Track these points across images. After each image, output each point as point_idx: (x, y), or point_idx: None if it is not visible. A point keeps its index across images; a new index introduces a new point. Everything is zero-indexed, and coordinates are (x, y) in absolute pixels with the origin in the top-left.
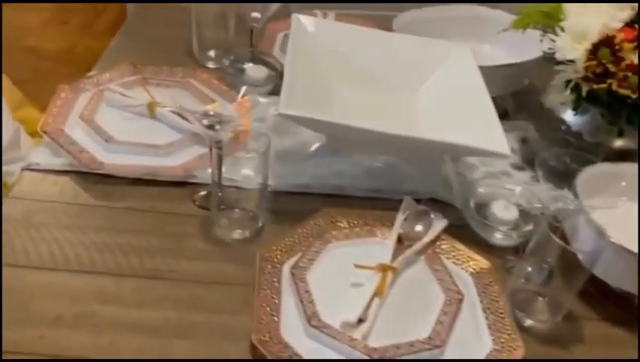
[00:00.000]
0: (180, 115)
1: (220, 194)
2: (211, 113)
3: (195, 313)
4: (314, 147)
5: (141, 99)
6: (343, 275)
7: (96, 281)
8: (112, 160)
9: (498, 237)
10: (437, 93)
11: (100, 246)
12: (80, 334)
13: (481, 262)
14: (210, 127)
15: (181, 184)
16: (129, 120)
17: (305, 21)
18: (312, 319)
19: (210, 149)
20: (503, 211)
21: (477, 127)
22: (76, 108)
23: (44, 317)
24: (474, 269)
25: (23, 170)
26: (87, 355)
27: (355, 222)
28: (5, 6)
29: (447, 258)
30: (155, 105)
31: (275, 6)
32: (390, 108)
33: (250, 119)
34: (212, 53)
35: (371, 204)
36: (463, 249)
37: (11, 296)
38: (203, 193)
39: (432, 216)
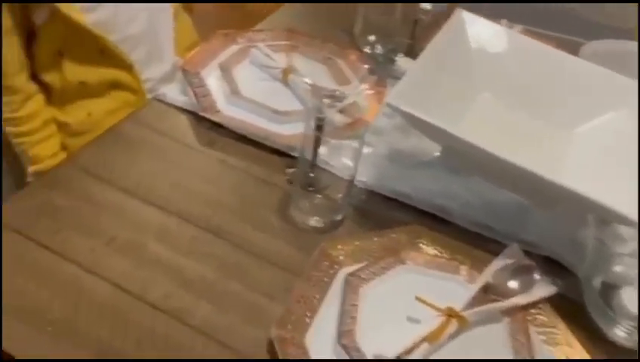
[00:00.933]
0: (309, 86)
1: (310, 175)
2: (337, 93)
3: (233, 282)
4: (430, 156)
5: (280, 64)
6: (403, 304)
7: (162, 218)
8: (230, 112)
9: (618, 334)
10: (603, 136)
11: (182, 188)
12: (122, 260)
13: (579, 352)
14: (332, 105)
15: (283, 154)
16: (263, 80)
17: (467, 17)
18: (344, 336)
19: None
20: (634, 302)
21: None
22: (221, 56)
23: (102, 233)
24: (566, 357)
25: (151, 98)
26: (117, 281)
27: (443, 251)
28: None
29: (538, 332)
30: (289, 71)
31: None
32: (535, 138)
33: (378, 111)
34: (372, 37)
35: (472, 239)
36: (562, 330)
37: (87, 205)
38: (296, 169)
39: (538, 276)
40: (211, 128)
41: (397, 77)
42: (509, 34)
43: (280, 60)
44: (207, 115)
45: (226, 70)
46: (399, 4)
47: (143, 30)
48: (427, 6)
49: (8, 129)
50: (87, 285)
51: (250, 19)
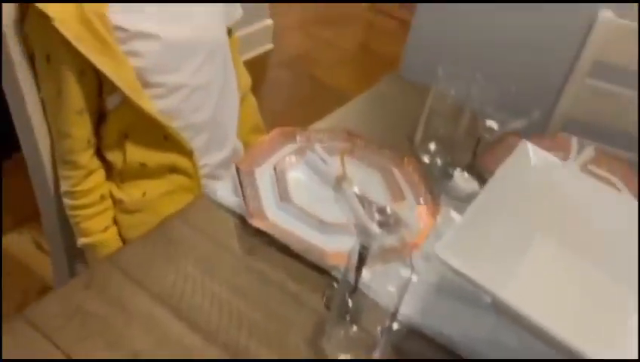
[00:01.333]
0: (360, 198)
1: (349, 300)
2: (388, 212)
3: None
4: (481, 297)
5: (334, 170)
6: None
7: (188, 335)
8: (277, 217)
9: None
10: None
11: (214, 299)
12: None
13: None
14: (383, 224)
15: (324, 271)
16: (316, 185)
17: (532, 152)
18: None
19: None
20: None
21: None
22: (277, 155)
23: (128, 345)
24: None
25: (203, 193)
26: None
27: None
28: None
29: None
30: (342, 180)
31: (518, 123)
32: (599, 295)
33: (429, 233)
34: (433, 146)
35: None
36: None
37: (118, 312)
38: (334, 291)
39: None
40: (255, 233)
41: (454, 195)
42: (576, 173)
43: (334, 165)
44: (253, 223)
45: (279, 172)
46: (465, 117)
47: (207, 119)
48: (493, 124)
49: (65, 201)
50: None
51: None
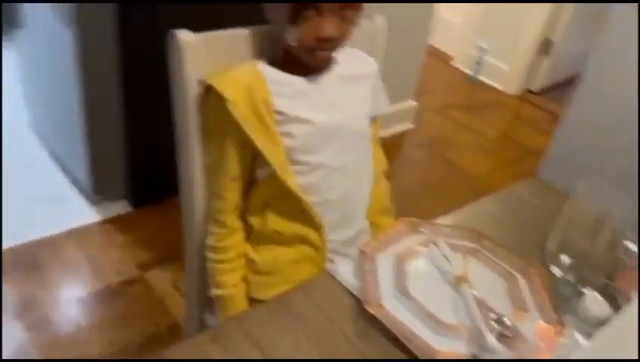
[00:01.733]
0: (478, 303)
1: None
2: (507, 322)
3: None
4: None
5: (455, 269)
6: None
7: None
8: (393, 308)
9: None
10: None
11: None
12: None
13: None
14: (501, 335)
15: None
16: (435, 281)
17: None
18: None
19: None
20: None
21: None
22: (400, 243)
23: None
24: None
25: (327, 271)
26: None
27: None
28: None
29: None
30: (462, 280)
31: None
32: None
33: (554, 353)
34: (564, 258)
35: None
36: None
37: None
38: None
39: None
40: (370, 319)
41: (582, 316)
42: None
43: (457, 263)
44: (369, 309)
45: (400, 261)
46: (605, 235)
47: (340, 198)
48: (633, 247)
49: (207, 253)
50: None
51: (445, 197)
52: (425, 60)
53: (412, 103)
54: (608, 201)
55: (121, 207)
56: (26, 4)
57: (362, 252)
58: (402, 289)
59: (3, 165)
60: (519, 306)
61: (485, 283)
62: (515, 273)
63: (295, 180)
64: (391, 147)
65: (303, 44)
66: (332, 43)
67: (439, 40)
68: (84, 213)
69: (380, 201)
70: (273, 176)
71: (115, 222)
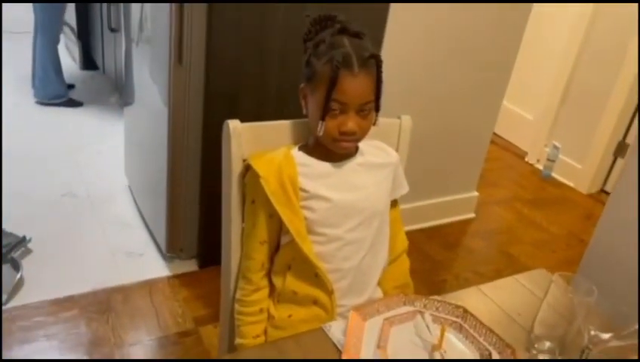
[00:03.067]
0: None
1: None
2: None
3: None
4: None
5: (434, 338)
6: None
7: None
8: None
9: None
10: None
11: None
12: None
13: None
14: None
15: None
16: (415, 345)
17: None
18: None
19: None
20: None
21: None
22: (393, 311)
23: None
24: None
25: (323, 327)
26: None
27: None
28: None
29: None
30: (436, 349)
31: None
32: None
33: None
34: (548, 344)
35: None
36: None
37: None
38: None
39: None
40: None
41: None
42: None
43: (436, 333)
44: (345, 357)
45: (387, 325)
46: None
47: (352, 267)
48: (603, 336)
49: (235, 306)
50: None
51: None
52: (498, 154)
53: (474, 194)
54: (581, 293)
55: (189, 266)
56: (137, 86)
57: (354, 311)
58: (381, 346)
59: (100, 220)
60: None
61: (459, 354)
62: (490, 349)
63: (311, 248)
64: (450, 235)
65: (329, 136)
66: (352, 136)
67: (514, 136)
68: (157, 268)
69: (399, 278)
70: (293, 243)
71: (181, 278)
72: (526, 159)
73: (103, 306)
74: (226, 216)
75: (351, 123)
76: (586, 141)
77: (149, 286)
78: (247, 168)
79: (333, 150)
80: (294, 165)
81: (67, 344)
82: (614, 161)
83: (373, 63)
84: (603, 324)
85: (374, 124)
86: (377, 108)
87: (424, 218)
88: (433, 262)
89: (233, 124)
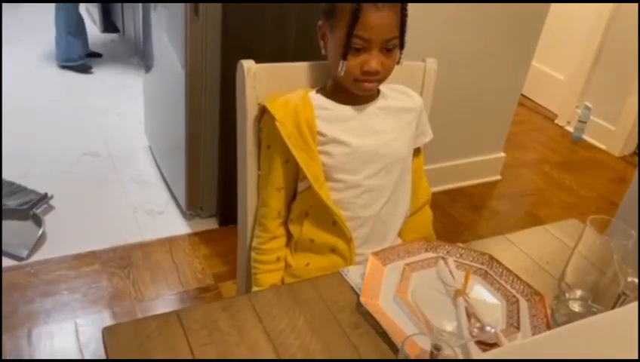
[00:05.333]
0: (468, 314)
1: None
2: (489, 330)
3: None
4: None
5: (457, 284)
6: None
7: None
8: (389, 308)
9: None
10: None
11: (306, 349)
12: None
13: None
14: (481, 342)
15: None
16: (437, 291)
17: None
18: None
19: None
20: None
21: None
22: (414, 257)
23: (230, 357)
24: None
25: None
26: None
27: None
28: None
29: None
30: (460, 294)
31: None
32: None
33: None
34: (578, 291)
35: None
36: None
37: (243, 339)
38: None
39: None
40: (366, 315)
41: None
42: None
43: (460, 279)
44: (363, 301)
45: (408, 270)
46: (614, 266)
47: (372, 216)
48: (635, 282)
49: (252, 254)
50: None
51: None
52: (527, 117)
53: (501, 155)
54: (618, 237)
55: (209, 224)
56: (155, 49)
57: (373, 256)
58: (402, 293)
59: (121, 178)
60: (512, 324)
61: (484, 300)
62: (518, 296)
63: (329, 194)
64: (475, 197)
65: (350, 76)
66: (376, 76)
67: (544, 97)
68: (178, 225)
69: (422, 229)
70: (311, 189)
71: (202, 236)
72: (556, 121)
73: (124, 261)
74: (242, 162)
75: (374, 61)
76: (620, 102)
77: (169, 243)
78: (263, 112)
79: (354, 92)
80: (312, 108)
81: (89, 297)
82: None
83: None
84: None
85: (399, 62)
86: (402, 46)
87: (448, 179)
88: (456, 223)
89: (248, 64)
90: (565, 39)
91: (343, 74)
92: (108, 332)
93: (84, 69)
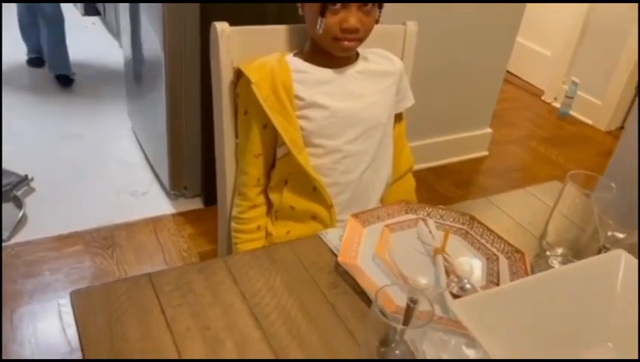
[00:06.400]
0: (447, 271)
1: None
2: (467, 285)
3: None
4: None
5: (436, 243)
6: None
7: (250, 328)
8: (368, 268)
9: None
10: None
11: (282, 309)
12: (201, 346)
13: None
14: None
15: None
16: (416, 251)
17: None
18: None
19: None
20: None
21: None
22: (394, 219)
23: (203, 319)
24: None
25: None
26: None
27: None
28: None
29: None
30: (438, 252)
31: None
32: None
33: None
34: (560, 250)
35: None
36: None
37: (215, 298)
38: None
39: None
40: (344, 275)
41: None
42: None
43: (438, 238)
44: (340, 260)
45: (387, 231)
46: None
47: (352, 182)
48: (619, 235)
49: (232, 223)
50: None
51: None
52: (514, 94)
53: (488, 131)
54: (599, 191)
55: (194, 204)
56: (135, 32)
57: (352, 217)
58: (381, 252)
59: (106, 161)
60: (492, 281)
61: (464, 258)
62: (498, 254)
63: (308, 160)
64: (463, 172)
65: (329, 34)
66: (355, 34)
67: (531, 74)
68: (162, 206)
69: (405, 197)
70: (290, 155)
71: (186, 216)
72: (543, 98)
73: (107, 242)
74: (218, 129)
75: (353, 18)
76: (606, 77)
77: (153, 223)
78: (239, 77)
79: (333, 53)
80: (288, 71)
81: (71, 277)
82: (635, 96)
83: None
84: (620, 222)
85: (377, 21)
86: (380, 5)
87: (435, 156)
88: (444, 199)
89: (221, 26)
90: (551, 15)
91: (321, 32)
92: (76, 296)
93: (35, 65)
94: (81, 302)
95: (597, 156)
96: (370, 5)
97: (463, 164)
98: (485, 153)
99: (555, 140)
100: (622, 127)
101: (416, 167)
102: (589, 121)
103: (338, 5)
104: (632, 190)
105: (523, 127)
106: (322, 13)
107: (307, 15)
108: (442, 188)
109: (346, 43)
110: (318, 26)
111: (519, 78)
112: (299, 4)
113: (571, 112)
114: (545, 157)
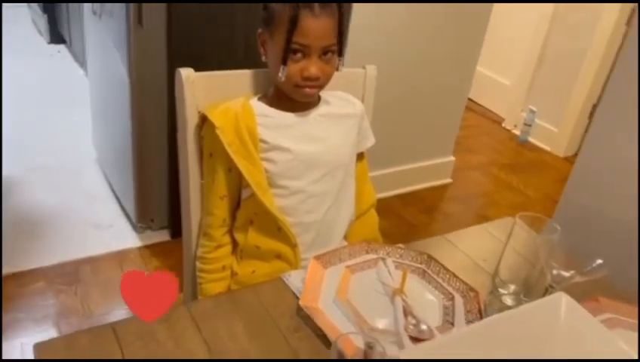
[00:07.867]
0: (405, 312)
1: None
2: (423, 327)
3: None
4: None
5: (395, 283)
6: None
7: None
8: (329, 310)
9: None
10: None
11: (244, 354)
12: None
13: None
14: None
15: None
16: (376, 292)
17: (568, 305)
18: None
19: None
20: None
21: None
22: (355, 259)
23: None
24: None
25: (280, 277)
26: None
27: None
28: None
29: None
30: (397, 293)
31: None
32: None
33: None
34: (513, 287)
35: None
36: None
37: (171, 344)
38: None
39: None
40: (305, 318)
41: None
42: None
43: (397, 279)
44: (302, 304)
45: (349, 271)
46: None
47: (316, 221)
48: (565, 274)
49: (196, 263)
50: None
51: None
52: (475, 122)
53: (451, 159)
54: (545, 232)
55: (160, 236)
56: (100, 58)
57: (314, 259)
58: (337, 294)
59: (70, 193)
60: (447, 320)
61: (421, 298)
62: (454, 293)
63: (272, 201)
64: (427, 200)
65: (291, 81)
66: (316, 81)
67: (491, 102)
68: (128, 239)
69: (367, 233)
70: (254, 196)
71: (153, 249)
72: (503, 125)
73: (71, 278)
74: (184, 171)
75: (314, 67)
76: (562, 104)
77: (119, 257)
78: (204, 120)
79: (295, 98)
80: (253, 115)
81: (34, 315)
82: (589, 124)
83: (335, 5)
84: (566, 262)
85: (337, 69)
86: (340, 53)
87: (401, 184)
88: (409, 226)
89: (186, 72)
90: (509, 44)
91: (284, 79)
92: (40, 349)
93: None
94: (45, 355)
95: (555, 182)
96: (330, 54)
97: (427, 191)
98: (449, 180)
99: (515, 167)
100: (578, 154)
101: (384, 194)
102: (547, 148)
103: (299, 54)
104: (576, 231)
105: (484, 153)
106: (284, 62)
107: (270, 62)
108: (409, 215)
109: (307, 90)
110: (280, 74)
111: (480, 106)
112: (262, 51)
113: (530, 139)
114: (506, 184)
